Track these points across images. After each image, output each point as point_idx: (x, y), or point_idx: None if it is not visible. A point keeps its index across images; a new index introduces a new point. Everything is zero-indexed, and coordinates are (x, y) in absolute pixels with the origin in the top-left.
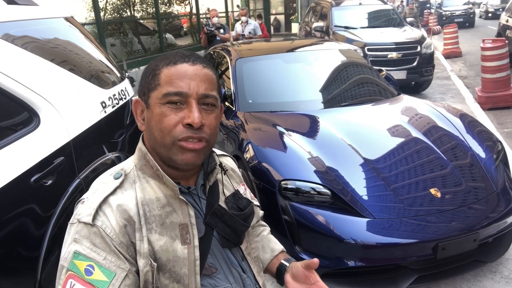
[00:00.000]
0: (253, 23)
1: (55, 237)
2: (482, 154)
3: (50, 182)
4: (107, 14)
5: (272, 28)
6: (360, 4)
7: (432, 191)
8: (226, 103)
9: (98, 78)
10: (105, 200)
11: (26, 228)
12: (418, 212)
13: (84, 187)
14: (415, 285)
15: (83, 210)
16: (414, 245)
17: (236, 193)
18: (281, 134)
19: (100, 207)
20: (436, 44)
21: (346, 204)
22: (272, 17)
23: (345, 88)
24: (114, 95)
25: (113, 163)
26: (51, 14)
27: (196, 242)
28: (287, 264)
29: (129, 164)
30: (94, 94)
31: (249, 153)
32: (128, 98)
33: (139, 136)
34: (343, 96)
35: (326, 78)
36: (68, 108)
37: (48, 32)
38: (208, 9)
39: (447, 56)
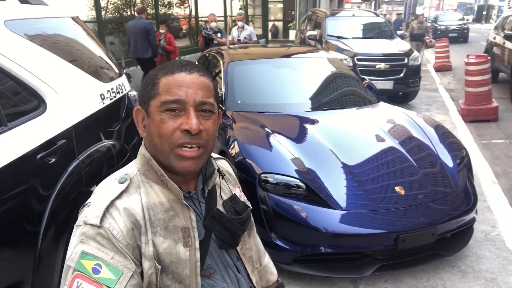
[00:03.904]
0: (249, 29)
1: (53, 214)
2: (450, 162)
3: (53, 160)
4: (108, 13)
5: (270, 34)
6: (353, 15)
7: (397, 188)
8: None
9: (98, 72)
10: (112, 203)
11: (30, 201)
12: (384, 207)
13: (82, 168)
14: (378, 273)
15: (90, 212)
16: (378, 235)
17: (234, 197)
18: (267, 135)
19: (107, 210)
20: (429, 58)
21: (319, 197)
22: (270, 24)
23: (328, 93)
24: (112, 88)
25: (108, 150)
26: (59, 13)
27: (197, 245)
28: None
29: (133, 169)
30: (94, 87)
31: (234, 149)
32: (124, 92)
33: (133, 128)
34: (326, 101)
35: (311, 83)
36: (71, 97)
37: (56, 30)
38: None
39: (438, 69)
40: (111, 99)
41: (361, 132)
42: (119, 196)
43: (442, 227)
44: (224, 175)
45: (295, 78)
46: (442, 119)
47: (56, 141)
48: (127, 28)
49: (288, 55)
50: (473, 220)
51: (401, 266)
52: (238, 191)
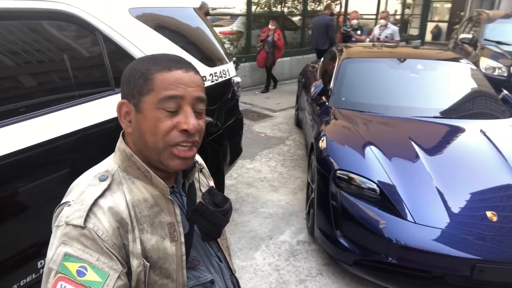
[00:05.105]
0: (392, 28)
1: None
2: None
3: None
4: (258, 8)
5: (431, 35)
6: None
7: (488, 214)
8: (323, 98)
9: (204, 57)
10: (95, 202)
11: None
12: (466, 230)
13: None
14: None
15: (72, 212)
16: (450, 258)
17: (211, 190)
18: (360, 140)
19: (91, 209)
20: None
21: (392, 205)
22: (432, 25)
23: (443, 101)
24: (215, 73)
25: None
26: (181, 4)
27: (183, 239)
28: None
29: (112, 165)
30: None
31: (322, 144)
32: (228, 77)
33: (230, 110)
34: (438, 109)
35: (426, 88)
36: None
37: (174, 17)
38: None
39: None
40: (212, 81)
41: (471, 151)
42: (102, 195)
43: None
44: (203, 168)
45: (410, 81)
46: None
47: None
48: (312, 22)
49: (411, 57)
50: None
51: None
52: (211, 184)
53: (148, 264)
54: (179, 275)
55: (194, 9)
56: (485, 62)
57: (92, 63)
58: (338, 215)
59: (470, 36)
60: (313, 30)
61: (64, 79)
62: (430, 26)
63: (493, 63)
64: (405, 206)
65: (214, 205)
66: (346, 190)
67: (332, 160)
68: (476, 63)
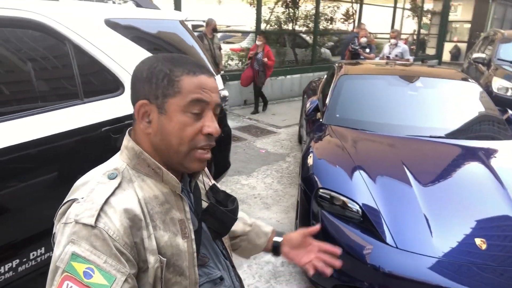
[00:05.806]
0: (402, 47)
1: None
2: None
3: (116, 136)
4: (268, 26)
5: (450, 56)
6: None
7: (477, 241)
8: (318, 114)
9: None
10: (106, 201)
11: (86, 163)
12: (453, 256)
13: None
14: None
15: (82, 211)
16: (435, 287)
17: (214, 187)
18: (348, 161)
19: (102, 208)
20: None
21: (375, 228)
22: (451, 45)
23: (441, 120)
24: None
25: None
26: (168, 16)
27: (193, 236)
28: (279, 240)
29: (120, 163)
30: None
31: (309, 161)
32: None
33: (220, 126)
34: (435, 128)
35: (425, 107)
36: None
37: (157, 30)
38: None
39: None
40: None
41: (467, 177)
42: (113, 193)
43: None
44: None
45: (407, 99)
46: None
47: (124, 120)
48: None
49: (412, 74)
50: None
51: None
52: (214, 182)
53: (165, 259)
54: (191, 272)
55: (180, 21)
56: (498, 82)
57: (60, 72)
58: (319, 236)
59: (483, 55)
60: (342, 47)
61: (28, 88)
62: (449, 46)
63: (506, 83)
64: (386, 229)
65: (216, 203)
66: (328, 210)
67: (316, 178)
68: (489, 83)
